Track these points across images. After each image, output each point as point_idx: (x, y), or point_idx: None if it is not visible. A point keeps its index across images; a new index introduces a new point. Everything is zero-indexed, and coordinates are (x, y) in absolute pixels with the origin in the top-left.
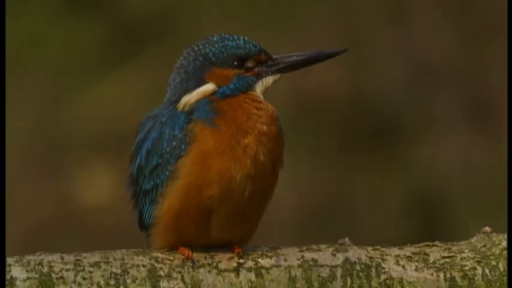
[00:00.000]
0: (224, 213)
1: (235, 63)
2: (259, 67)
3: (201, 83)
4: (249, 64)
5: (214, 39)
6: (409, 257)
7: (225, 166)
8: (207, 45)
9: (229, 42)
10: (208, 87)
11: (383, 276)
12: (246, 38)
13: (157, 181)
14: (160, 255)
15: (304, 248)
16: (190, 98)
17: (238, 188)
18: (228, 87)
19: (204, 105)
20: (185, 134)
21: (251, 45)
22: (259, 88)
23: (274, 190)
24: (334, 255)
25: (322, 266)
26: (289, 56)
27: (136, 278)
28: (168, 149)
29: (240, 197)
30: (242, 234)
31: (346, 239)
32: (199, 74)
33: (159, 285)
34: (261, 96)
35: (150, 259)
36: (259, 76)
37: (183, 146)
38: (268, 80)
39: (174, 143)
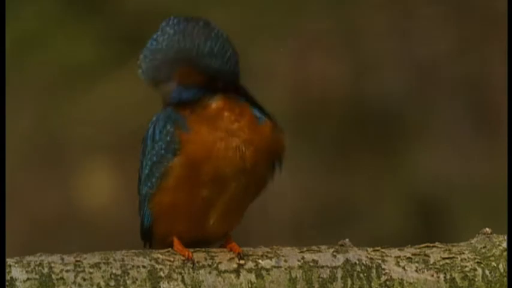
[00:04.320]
0: (220, 207)
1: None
2: None
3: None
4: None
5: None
6: (409, 258)
7: (213, 167)
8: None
9: None
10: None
11: (383, 277)
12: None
13: (154, 180)
14: (160, 256)
15: (305, 249)
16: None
17: (231, 183)
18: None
19: (171, 111)
20: (171, 138)
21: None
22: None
23: (266, 180)
24: (334, 256)
25: (322, 267)
26: None
27: (137, 279)
28: (157, 149)
29: (233, 192)
30: (236, 223)
31: (347, 240)
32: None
33: (159, 286)
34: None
35: (150, 260)
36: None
37: (171, 145)
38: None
39: (163, 143)
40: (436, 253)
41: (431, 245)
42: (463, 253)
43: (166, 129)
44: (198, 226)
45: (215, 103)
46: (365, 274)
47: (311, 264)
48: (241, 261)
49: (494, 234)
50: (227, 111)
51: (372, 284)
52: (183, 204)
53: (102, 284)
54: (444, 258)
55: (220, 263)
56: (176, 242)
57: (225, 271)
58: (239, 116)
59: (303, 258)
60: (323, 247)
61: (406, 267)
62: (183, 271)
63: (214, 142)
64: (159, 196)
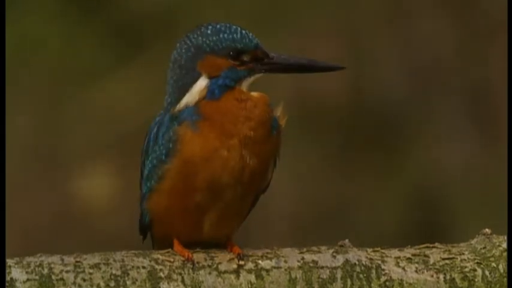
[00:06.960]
0: (214, 213)
1: (231, 53)
2: (254, 63)
3: (195, 75)
4: (245, 58)
5: (208, 31)
6: (409, 258)
7: (210, 172)
8: (200, 37)
9: (225, 35)
10: (202, 83)
11: (383, 278)
12: (243, 32)
13: (152, 182)
14: (160, 256)
15: (305, 249)
16: (192, 100)
17: (226, 192)
18: (218, 79)
19: (191, 107)
20: (171, 138)
21: (247, 40)
22: (247, 83)
23: (267, 184)
24: (334, 256)
25: (322, 267)
26: (286, 57)
27: (137, 280)
28: (158, 152)
29: (228, 200)
30: (233, 228)
31: (346, 240)
32: (192, 65)
33: (159, 287)
34: (245, 91)
35: (150, 261)
36: (251, 72)
37: (171, 146)
38: (257, 76)
39: (163, 146)
40: (435, 254)
41: (431, 245)
42: (463, 254)
43: (168, 134)
44: (194, 230)
45: (244, 105)
46: (365, 275)
47: (311, 264)
48: (241, 262)
49: (494, 235)
50: (248, 121)
51: (372, 284)
52: (178, 208)
53: (102, 284)
54: (444, 259)
55: (220, 263)
56: (176, 242)
57: (225, 272)
58: (258, 128)
59: (302, 258)
60: (323, 248)
61: (405, 268)
62: (183, 272)
63: (217, 150)
64: (155, 197)
